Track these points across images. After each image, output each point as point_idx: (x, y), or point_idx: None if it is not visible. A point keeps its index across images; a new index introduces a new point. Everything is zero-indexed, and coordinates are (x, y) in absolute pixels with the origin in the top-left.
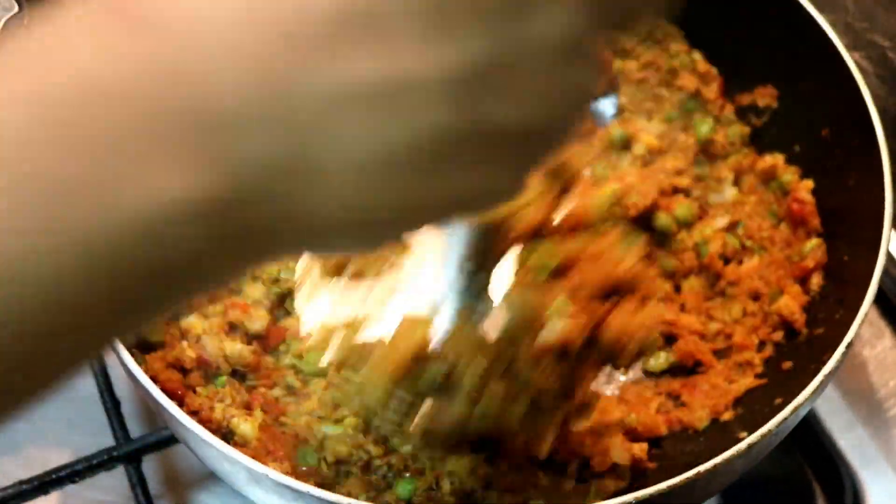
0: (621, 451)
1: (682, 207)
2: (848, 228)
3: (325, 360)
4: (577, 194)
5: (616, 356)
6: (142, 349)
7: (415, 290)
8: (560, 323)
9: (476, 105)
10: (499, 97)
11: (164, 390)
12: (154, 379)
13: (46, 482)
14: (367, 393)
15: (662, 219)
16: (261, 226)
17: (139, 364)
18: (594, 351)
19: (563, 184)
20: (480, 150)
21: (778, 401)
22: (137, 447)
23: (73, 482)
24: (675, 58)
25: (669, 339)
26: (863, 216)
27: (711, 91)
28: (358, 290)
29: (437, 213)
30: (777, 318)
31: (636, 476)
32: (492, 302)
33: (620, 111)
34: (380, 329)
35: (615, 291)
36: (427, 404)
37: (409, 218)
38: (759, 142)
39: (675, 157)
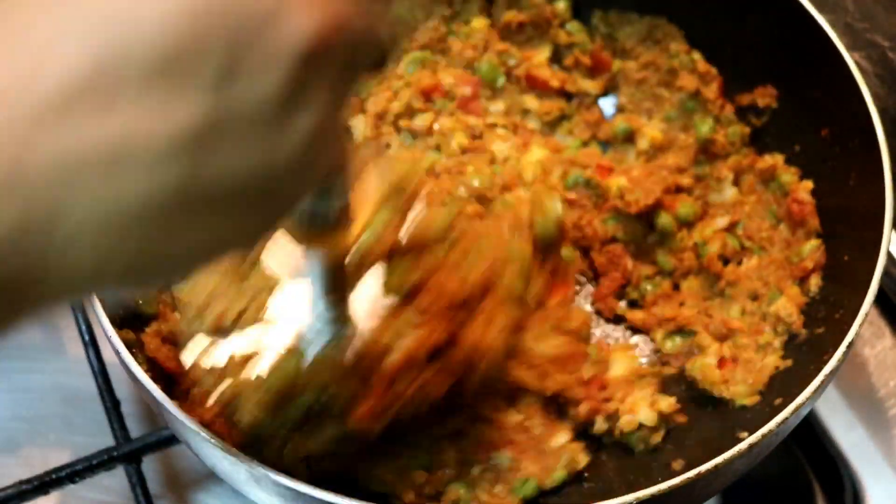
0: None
1: (685, 206)
2: (848, 228)
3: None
4: (420, 211)
5: (469, 372)
6: (136, 321)
7: (287, 323)
8: (405, 341)
9: (199, 162)
10: (221, 154)
11: (164, 369)
12: (153, 360)
13: (46, 482)
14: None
15: (664, 218)
16: (14, 280)
17: (140, 364)
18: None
19: (405, 203)
20: (212, 203)
21: (778, 401)
22: (137, 447)
23: (73, 482)
24: (674, 58)
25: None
26: (863, 216)
27: (711, 91)
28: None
29: (181, 263)
30: (775, 319)
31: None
32: (353, 327)
33: (620, 110)
34: (258, 365)
35: (468, 302)
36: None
37: (157, 268)
38: (759, 142)
39: (676, 154)
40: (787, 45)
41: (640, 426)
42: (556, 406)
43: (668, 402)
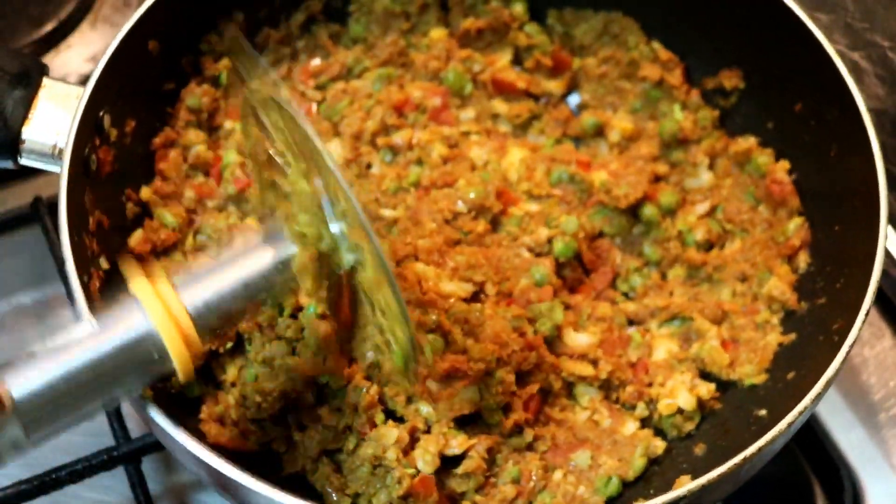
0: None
1: (665, 195)
2: (835, 199)
3: None
4: None
5: None
6: (186, 409)
7: None
8: None
9: None
10: None
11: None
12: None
13: (46, 482)
14: None
15: (649, 209)
16: None
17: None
18: None
19: None
20: None
21: (791, 375)
22: (137, 447)
23: (74, 482)
24: (633, 50)
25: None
26: (851, 183)
27: (675, 78)
28: None
29: None
30: (768, 298)
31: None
32: None
33: (584, 107)
34: None
35: None
36: None
37: None
38: (730, 123)
39: (648, 144)
40: (747, 24)
41: (678, 411)
42: (617, 398)
43: (707, 388)
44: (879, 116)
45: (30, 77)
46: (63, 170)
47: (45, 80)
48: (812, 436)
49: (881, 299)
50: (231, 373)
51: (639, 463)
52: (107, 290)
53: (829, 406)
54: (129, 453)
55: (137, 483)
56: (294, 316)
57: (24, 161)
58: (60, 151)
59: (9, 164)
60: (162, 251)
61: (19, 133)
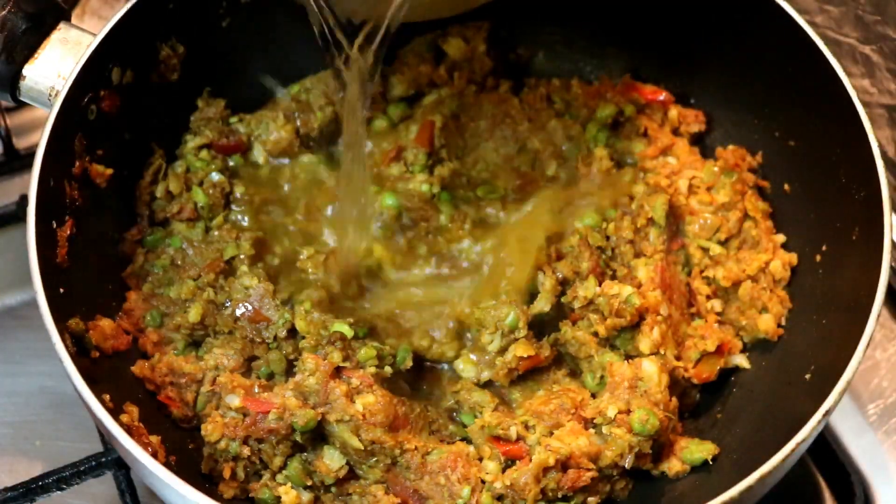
0: None
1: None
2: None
3: None
4: None
5: None
6: None
7: None
8: None
9: None
10: None
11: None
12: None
13: (32, 489)
14: None
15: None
16: None
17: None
18: None
19: None
20: None
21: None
22: None
23: (61, 489)
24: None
25: None
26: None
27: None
28: None
29: None
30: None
31: None
32: None
33: None
34: None
35: None
36: None
37: None
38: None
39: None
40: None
41: None
42: None
43: None
44: (891, 112)
45: (45, 18)
46: (52, 111)
47: (62, 24)
48: (822, 440)
49: (894, 300)
50: None
51: None
52: (79, 237)
53: (840, 410)
54: (118, 459)
55: (126, 489)
56: None
57: (23, 98)
58: (58, 94)
59: (7, 99)
60: None
61: (21, 69)
